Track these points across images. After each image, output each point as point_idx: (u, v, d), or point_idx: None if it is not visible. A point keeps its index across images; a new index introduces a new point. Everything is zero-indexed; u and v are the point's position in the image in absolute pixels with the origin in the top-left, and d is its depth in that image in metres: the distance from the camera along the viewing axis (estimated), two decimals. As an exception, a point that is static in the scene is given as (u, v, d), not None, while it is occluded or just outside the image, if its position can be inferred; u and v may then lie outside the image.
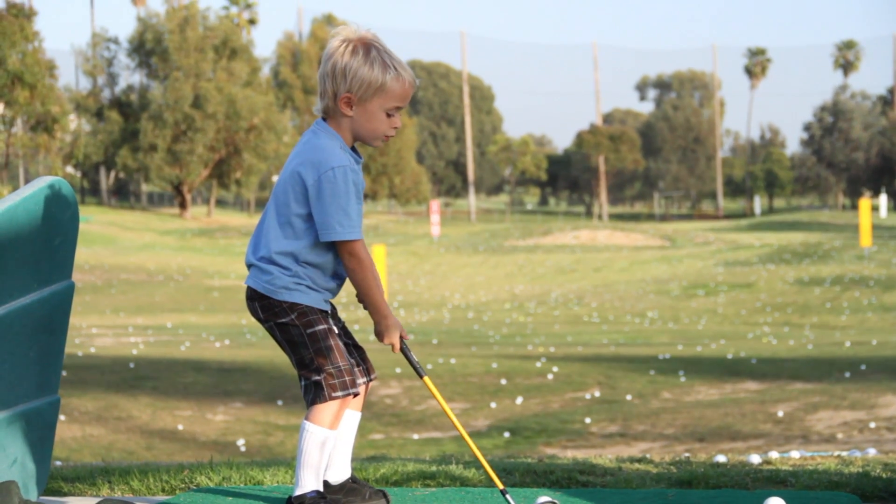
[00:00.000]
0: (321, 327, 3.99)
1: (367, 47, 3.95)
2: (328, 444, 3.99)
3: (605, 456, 6.07)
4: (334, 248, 3.97)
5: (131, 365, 19.14)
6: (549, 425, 14.85)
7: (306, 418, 4.00)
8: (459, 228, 79.40)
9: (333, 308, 4.16)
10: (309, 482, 3.99)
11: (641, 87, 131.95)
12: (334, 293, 4.09)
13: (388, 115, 4.01)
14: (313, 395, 3.99)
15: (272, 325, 4.04)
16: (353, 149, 4.05)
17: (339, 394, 3.97)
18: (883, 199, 77.76)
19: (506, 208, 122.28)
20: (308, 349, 3.99)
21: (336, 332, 4.04)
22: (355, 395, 4.03)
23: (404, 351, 4.09)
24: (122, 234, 68.57)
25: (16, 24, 52.51)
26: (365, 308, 4.05)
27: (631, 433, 14.10)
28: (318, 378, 3.98)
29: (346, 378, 3.98)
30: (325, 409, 3.98)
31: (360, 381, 4.09)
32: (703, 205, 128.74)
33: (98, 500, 4.53)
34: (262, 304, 4.04)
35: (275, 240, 3.98)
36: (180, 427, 14.95)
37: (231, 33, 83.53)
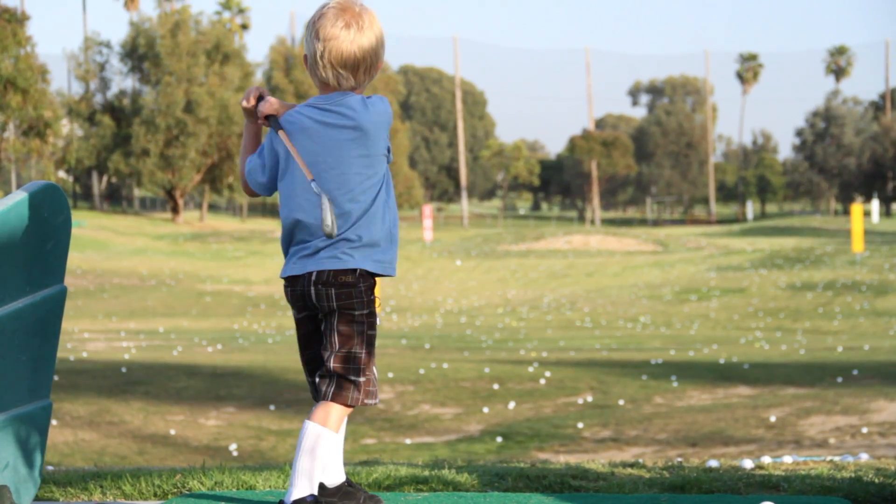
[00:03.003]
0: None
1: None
2: (332, 447, 4.00)
3: (597, 461, 6.07)
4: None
5: (123, 369, 19.11)
6: (541, 430, 14.85)
7: (313, 419, 3.99)
8: (452, 233, 79.41)
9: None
10: (308, 485, 3.99)
11: (634, 93, 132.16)
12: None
13: None
14: (339, 390, 3.99)
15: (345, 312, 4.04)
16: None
17: (372, 402, 4.05)
18: (875, 205, 77.87)
19: (498, 213, 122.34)
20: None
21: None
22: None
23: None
24: (115, 238, 68.48)
25: (8, 28, 52.51)
26: None
27: (623, 438, 14.11)
28: (357, 379, 4.00)
29: (376, 389, 4.08)
30: (342, 412, 4.01)
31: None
32: (695, 210, 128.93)
33: (90, 504, 4.52)
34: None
35: None
36: (172, 432, 14.93)
37: (223, 38, 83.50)
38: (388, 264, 4.03)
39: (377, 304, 4.06)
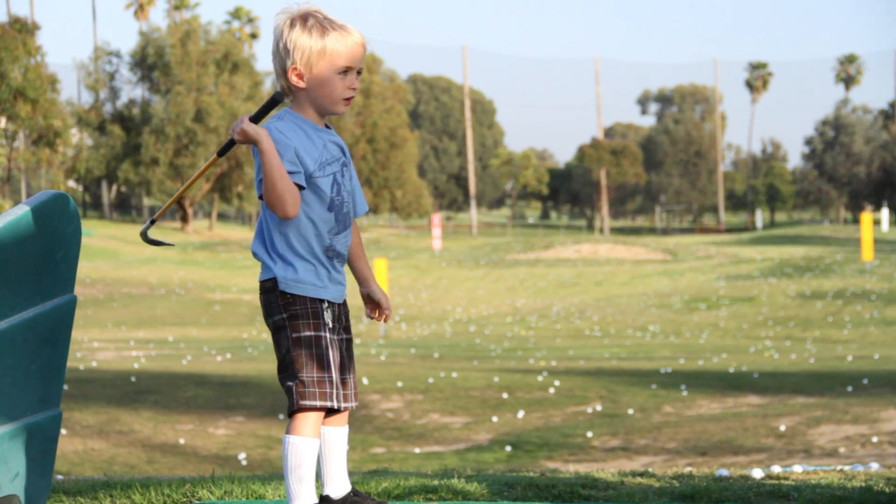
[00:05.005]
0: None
1: (304, 17, 3.99)
2: (310, 451, 3.95)
3: (607, 470, 6.06)
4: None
5: (133, 379, 19.13)
6: (550, 439, 14.84)
7: (285, 432, 3.99)
8: (461, 242, 79.42)
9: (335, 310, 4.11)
10: (303, 496, 3.97)
11: (643, 101, 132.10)
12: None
13: (344, 79, 4.01)
14: (287, 399, 4.01)
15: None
16: (327, 125, 4.07)
17: (307, 403, 3.93)
18: (884, 213, 77.74)
19: (507, 222, 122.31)
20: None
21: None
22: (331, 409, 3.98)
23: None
24: (124, 247, 68.59)
25: (18, 38, 52.65)
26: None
27: (633, 447, 14.08)
28: (291, 384, 3.98)
29: (317, 390, 3.95)
30: (301, 419, 3.96)
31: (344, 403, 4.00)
32: (704, 218, 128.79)
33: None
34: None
35: None
36: (182, 441, 14.93)
37: (233, 47, 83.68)
38: (285, 281, 3.97)
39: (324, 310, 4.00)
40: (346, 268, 4.17)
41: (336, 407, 3.97)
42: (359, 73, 4.04)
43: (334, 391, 3.97)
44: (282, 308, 3.99)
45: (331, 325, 4.02)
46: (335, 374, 3.98)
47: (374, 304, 4.20)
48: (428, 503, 4.68)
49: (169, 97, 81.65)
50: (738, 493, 4.82)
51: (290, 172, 3.90)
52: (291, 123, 4.01)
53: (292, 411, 3.97)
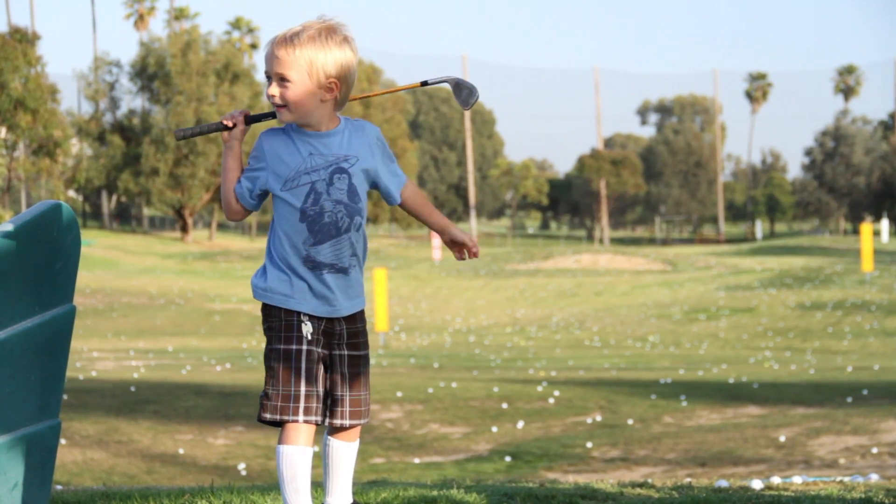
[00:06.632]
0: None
1: None
2: (301, 460, 3.91)
3: (606, 481, 6.05)
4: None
5: (132, 388, 19.11)
6: (550, 450, 14.81)
7: (277, 441, 3.99)
8: (461, 252, 79.25)
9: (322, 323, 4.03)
10: (298, 502, 3.95)
11: (643, 112, 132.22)
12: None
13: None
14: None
15: None
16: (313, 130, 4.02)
17: (267, 416, 3.93)
18: (884, 224, 77.72)
19: (507, 232, 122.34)
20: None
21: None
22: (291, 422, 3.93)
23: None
24: (124, 257, 68.57)
25: (18, 48, 52.67)
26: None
27: (632, 458, 14.06)
28: (260, 395, 4.00)
29: (279, 403, 3.92)
30: (282, 431, 3.95)
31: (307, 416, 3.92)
32: (704, 229, 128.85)
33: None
34: None
35: None
36: (181, 451, 14.91)
37: (233, 57, 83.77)
38: (256, 289, 4.03)
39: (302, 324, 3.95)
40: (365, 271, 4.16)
41: (299, 421, 3.90)
42: (282, 79, 3.91)
43: (300, 405, 3.90)
44: (263, 319, 4.03)
45: (308, 339, 3.94)
46: (311, 389, 3.92)
47: (459, 246, 4.14)
48: (427, 514, 4.67)
49: (169, 107, 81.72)
50: (737, 504, 4.82)
51: (239, 182, 3.98)
52: (280, 132, 4.00)
53: (259, 420, 3.98)
